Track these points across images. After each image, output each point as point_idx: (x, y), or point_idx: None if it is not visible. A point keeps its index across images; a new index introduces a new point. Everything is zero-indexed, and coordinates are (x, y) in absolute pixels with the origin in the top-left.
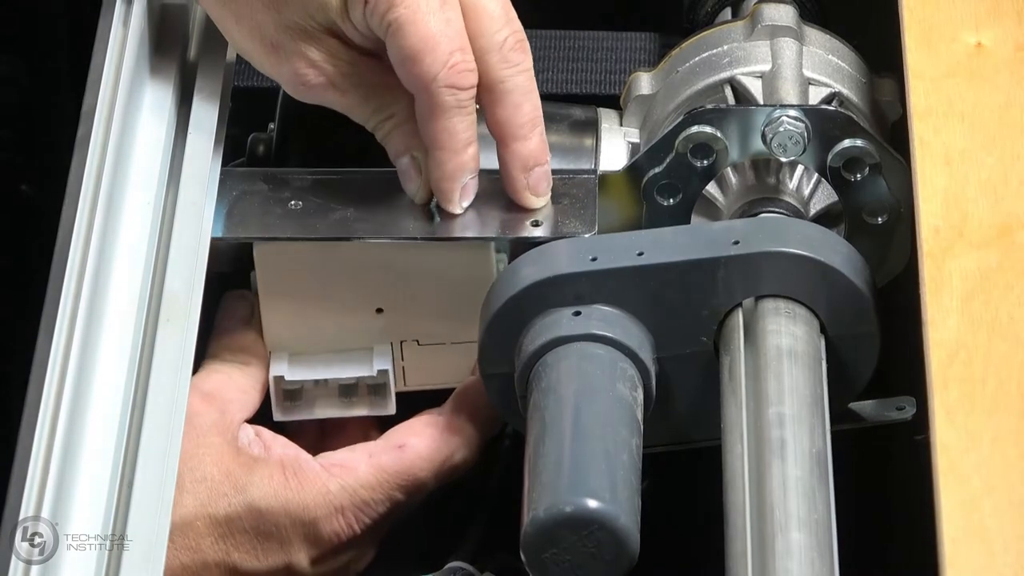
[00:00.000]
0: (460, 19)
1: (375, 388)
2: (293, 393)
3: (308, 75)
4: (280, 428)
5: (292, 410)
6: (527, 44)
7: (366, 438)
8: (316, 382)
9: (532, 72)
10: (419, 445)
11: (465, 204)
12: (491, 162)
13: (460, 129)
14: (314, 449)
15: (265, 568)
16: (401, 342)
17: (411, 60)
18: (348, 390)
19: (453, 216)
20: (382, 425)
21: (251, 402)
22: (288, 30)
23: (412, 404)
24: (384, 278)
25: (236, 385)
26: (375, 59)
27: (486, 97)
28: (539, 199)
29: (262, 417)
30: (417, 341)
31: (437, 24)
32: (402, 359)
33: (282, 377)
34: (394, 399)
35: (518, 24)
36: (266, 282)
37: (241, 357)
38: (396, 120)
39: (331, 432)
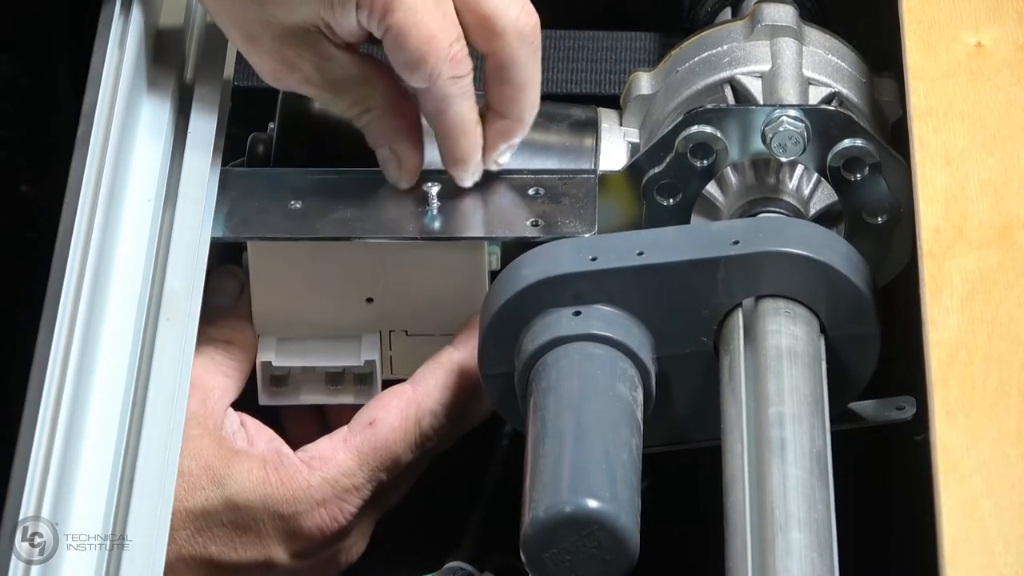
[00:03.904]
0: (451, 6)
1: (361, 377)
2: (280, 379)
3: (280, 71)
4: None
5: (278, 395)
6: (535, 16)
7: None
8: (303, 368)
9: (540, 48)
10: (388, 417)
11: (476, 179)
12: None
13: (467, 111)
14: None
15: (243, 561)
16: (390, 332)
17: (415, 63)
18: (334, 378)
19: (453, 215)
20: None
21: (234, 386)
22: (267, 24)
23: None
24: (377, 270)
25: (218, 370)
26: (352, 52)
27: (493, 76)
28: (497, 165)
29: (247, 400)
30: (405, 331)
31: (435, 21)
32: (390, 348)
33: (269, 363)
34: (380, 389)
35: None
36: (258, 268)
37: (227, 338)
38: (373, 113)
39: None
